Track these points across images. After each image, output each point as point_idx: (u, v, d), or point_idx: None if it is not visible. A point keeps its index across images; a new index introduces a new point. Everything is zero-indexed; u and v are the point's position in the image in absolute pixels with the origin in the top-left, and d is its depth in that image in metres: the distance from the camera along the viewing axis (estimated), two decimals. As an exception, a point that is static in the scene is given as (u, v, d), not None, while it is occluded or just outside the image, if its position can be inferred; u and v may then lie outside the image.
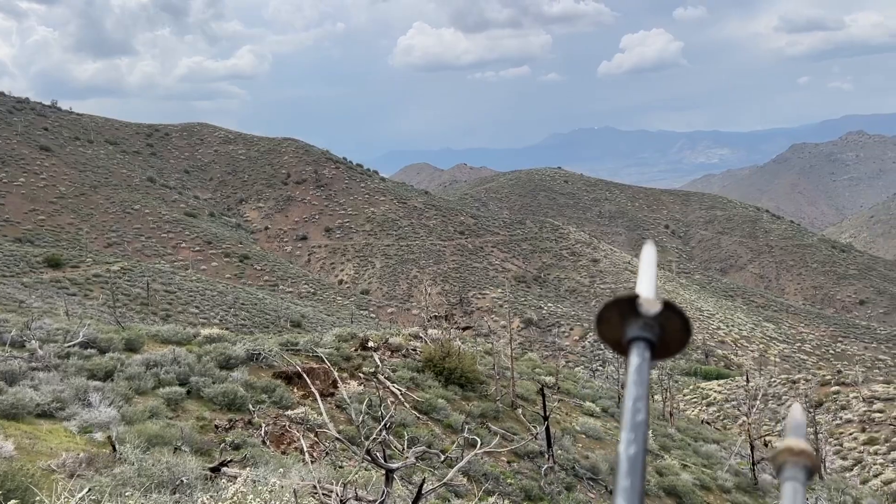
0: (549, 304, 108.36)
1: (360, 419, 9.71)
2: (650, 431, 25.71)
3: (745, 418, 32.04)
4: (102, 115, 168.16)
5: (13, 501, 7.66)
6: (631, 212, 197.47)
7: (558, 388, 27.46)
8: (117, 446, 11.87)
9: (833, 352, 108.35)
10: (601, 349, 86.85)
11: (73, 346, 18.51)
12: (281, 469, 11.09)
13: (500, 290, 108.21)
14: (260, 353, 20.09)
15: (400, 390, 21.21)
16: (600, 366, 72.62)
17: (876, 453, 42.08)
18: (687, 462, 24.37)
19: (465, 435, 13.41)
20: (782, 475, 1.12)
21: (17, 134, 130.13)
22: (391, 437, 12.20)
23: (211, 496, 9.28)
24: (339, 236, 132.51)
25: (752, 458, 25.31)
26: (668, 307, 1.17)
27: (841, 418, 47.37)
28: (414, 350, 25.12)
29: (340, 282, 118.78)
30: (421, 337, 26.88)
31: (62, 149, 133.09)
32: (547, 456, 19.66)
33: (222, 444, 14.03)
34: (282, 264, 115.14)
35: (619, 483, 1.09)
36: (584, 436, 23.36)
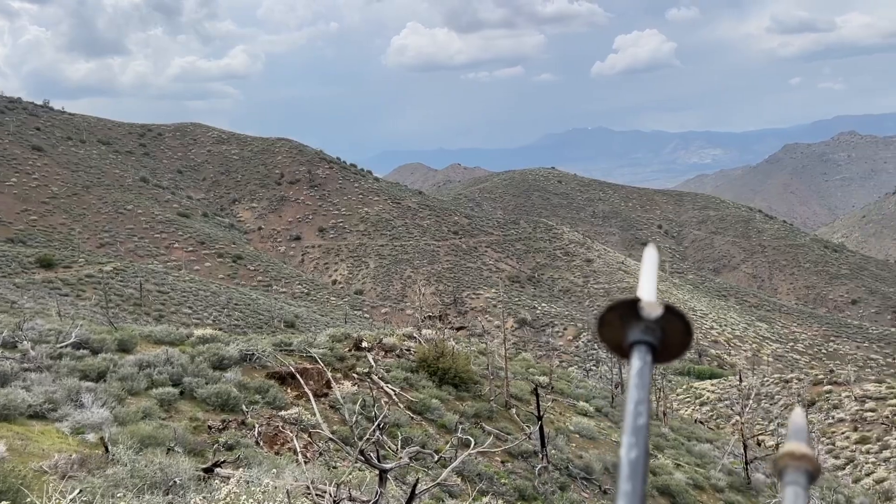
0: (543, 304, 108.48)
1: (354, 419, 9.70)
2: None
3: (738, 418, 32.15)
4: (95, 114, 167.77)
5: (4, 503, 7.62)
6: (624, 212, 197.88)
7: (552, 387, 27.49)
8: (110, 447, 11.82)
9: (825, 351, 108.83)
10: (595, 349, 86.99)
11: (66, 346, 18.42)
12: (274, 470, 11.07)
13: (493, 290, 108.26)
14: (253, 354, 20.04)
15: (394, 390, 21.19)
16: (594, 365, 72.76)
17: (868, 452, 42.29)
18: (680, 461, 24.44)
19: (459, 435, 13.41)
20: (784, 479, 1.11)
21: (9, 134, 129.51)
22: (385, 438, 12.19)
23: (204, 497, 9.25)
24: (333, 236, 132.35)
25: (745, 457, 25.40)
26: (670, 310, 1.16)
27: (833, 417, 47.59)
28: (408, 350, 25.11)
29: (334, 282, 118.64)
30: (415, 337, 26.87)
31: (54, 149, 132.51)
32: (541, 456, 19.68)
33: (215, 445, 14.00)
34: (275, 264, 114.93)
35: (620, 487, 1.08)
36: (577, 435, 23.39)
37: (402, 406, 20.42)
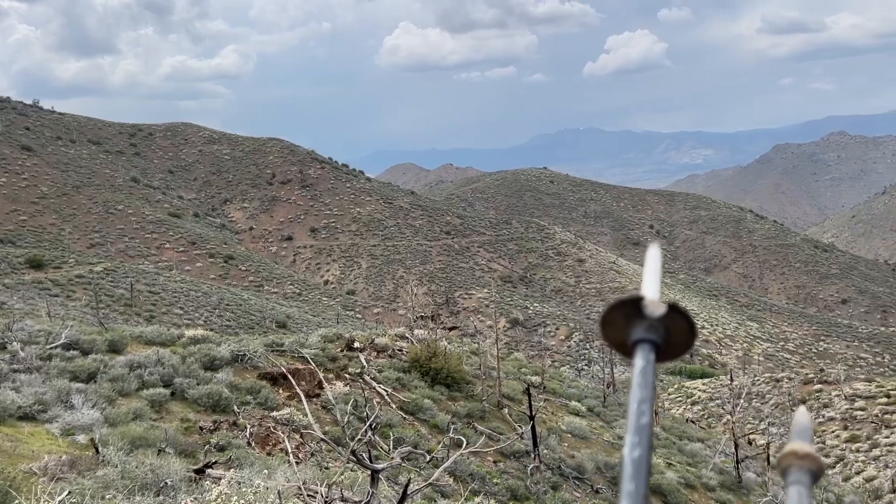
0: (535, 304, 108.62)
1: (346, 420, 9.69)
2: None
3: (729, 417, 32.29)
4: (85, 114, 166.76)
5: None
6: (616, 212, 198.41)
7: (544, 387, 27.53)
8: (100, 448, 11.77)
9: (815, 350, 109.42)
10: (587, 349, 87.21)
11: (56, 347, 18.32)
12: (266, 470, 11.04)
13: (486, 291, 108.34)
14: (245, 354, 19.98)
15: (386, 391, 21.17)
16: (586, 365, 72.94)
17: (858, 451, 42.55)
18: (672, 461, 24.51)
19: (452, 435, 13.41)
20: (787, 479, 1.10)
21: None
22: (377, 438, 12.18)
23: (195, 498, 9.23)
24: (325, 236, 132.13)
25: (737, 456, 25.50)
26: (674, 309, 1.16)
27: (823, 416, 47.85)
28: (400, 350, 25.09)
29: (326, 282, 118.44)
30: (407, 337, 26.85)
31: (44, 148, 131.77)
32: (533, 455, 19.71)
33: (207, 446, 13.95)
34: (267, 265, 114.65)
35: (623, 487, 1.07)
36: (569, 435, 23.43)
37: (394, 406, 20.40)
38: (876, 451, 41.86)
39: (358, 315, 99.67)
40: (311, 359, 19.70)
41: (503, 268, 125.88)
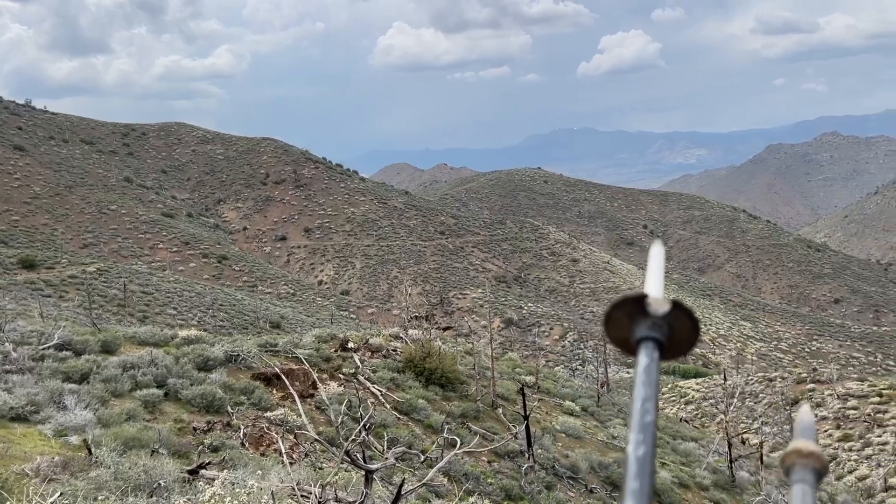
0: (530, 304, 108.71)
1: (340, 420, 9.68)
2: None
3: (722, 416, 32.38)
4: (78, 114, 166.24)
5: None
6: (610, 212, 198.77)
7: (538, 387, 27.55)
8: (93, 449, 11.72)
9: (808, 350, 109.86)
10: (581, 348, 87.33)
11: (48, 348, 18.24)
12: (260, 471, 11.01)
13: (480, 291, 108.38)
14: (238, 355, 19.94)
15: (380, 391, 21.16)
16: (580, 365, 73.03)
17: (850, 450, 42.74)
18: (665, 460, 24.57)
19: (446, 435, 13.41)
20: (791, 477, 1.10)
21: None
22: (371, 438, 12.17)
23: (188, 499, 9.21)
24: (319, 237, 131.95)
25: (730, 455, 25.58)
26: (677, 307, 1.16)
27: (816, 415, 48.02)
28: (394, 351, 25.07)
29: (320, 282, 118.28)
30: (401, 337, 26.83)
31: (36, 148, 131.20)
32: (527, 455, 19.72)
33: (200, 447, 13.91)
34: (261, 265, 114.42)
35: (628, 485, 1.07)
36: (563, 435, 23.46)
37: (388, 406, 20.39)
38: (868, 450, 42.06)
39: (352, 315, 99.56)
40: (305, 359, 19.67)
41: (497, 268, 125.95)
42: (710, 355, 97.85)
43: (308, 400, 18.66)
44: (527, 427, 19.95)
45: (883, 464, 39.15)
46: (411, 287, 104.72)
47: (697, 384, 61.66)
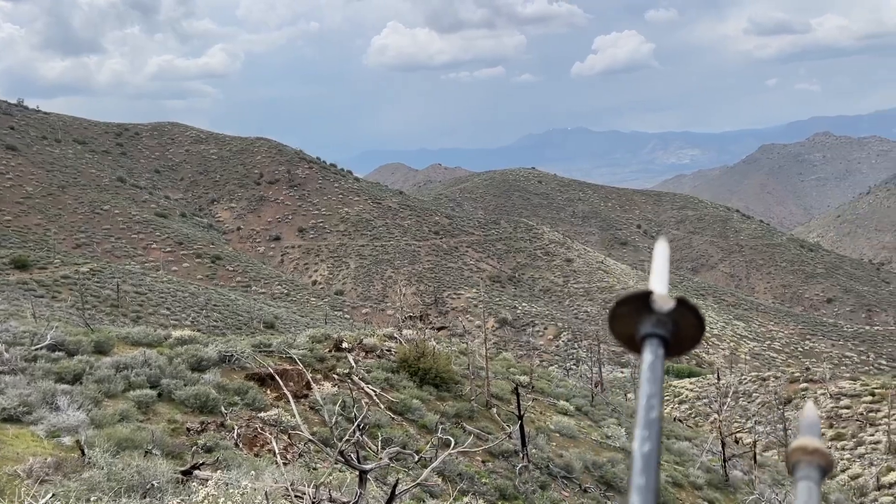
0: (524, 304, 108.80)
1: (334, 420, 9.67)
2: (622, 430, 25.93)
3: (716, 416, 32.47)
4: (71, 113, 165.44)
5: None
6: (604, 212, 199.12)
7: (532, 387, 27.58)
8: (86, 450, 11.68)
9: (801, 349, 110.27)
10: (575, 348, 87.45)
11: (41, 348, 18.16)
12: (254, 472, 10.99)
13: (474, 290, 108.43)
14: (232, 355, 19.89)
15: (374, 391, 21.15)
16: (574, 365, 73.10)
17: (843, 448, 42.93)
18: (659, 459, 24.61)
19: (440, 435, 13.41)
20: (796, 474, 1.09)
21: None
22: (365, 439, 12.16)
23: (182, 500, 9.18)
24: (313, 237, 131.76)
25: (724, 454, 25.66)
26: (682, 303, 1.16)
27: (809, 414, 48.17)
28: (389, 351, 25.06)
29: (314, 282, 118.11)
30: (396, 337, 26.82)
31: (29, 148, 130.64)
32: (521, 455, 19.74)
33: (194, 447, 13.87)
34: (254, 265, 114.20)
35: (633, 481, 1.07)
36: (558, 434, 23.49)
37: (382, 407, 20.38)
38: (861, 449, 42.25)
39: (346, 315, 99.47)
40: (299, 359, 19.65)
41: (492, 268, 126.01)
42: (704, 355, 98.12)
43: (302, 400, 18.63)
44: (521, 427, 19.97)
45: (875, 462, 39.34)
46: (406, 287, 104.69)
47: (691, 383, 61.84)
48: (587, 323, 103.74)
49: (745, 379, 58.73)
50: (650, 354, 1.15)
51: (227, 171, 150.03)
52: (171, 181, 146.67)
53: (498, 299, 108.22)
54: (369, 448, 12.42)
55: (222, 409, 16.48)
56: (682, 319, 1.16)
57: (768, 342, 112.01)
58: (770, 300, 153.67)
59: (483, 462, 19.34)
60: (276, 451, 11.74)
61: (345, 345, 24.45)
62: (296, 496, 9.24)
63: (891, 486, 36.23)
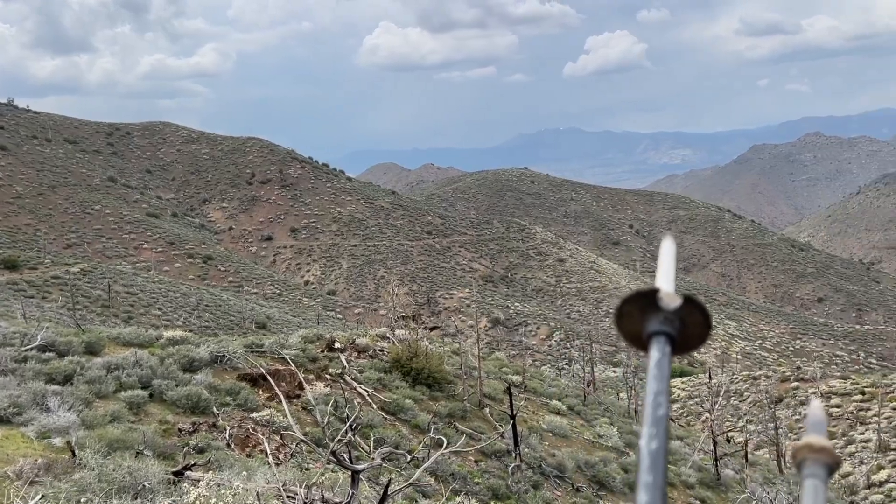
0: (517, 304, 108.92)
1: (326, 421, 9.65)
2: (614, 429, 26.00)
3: (707, 415, 32.61)
4: (61, 113, 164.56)
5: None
6: (596, 212, 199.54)
7: (525, 386, 27.62)
8: (77, 451, 11.62)
9: (792, 348, 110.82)
10: (567, 348, 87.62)
11: (31, 349, 18.07)
12: (246, 472, 10.97)
13: (467, 290, 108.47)
14: (224, 356, 19.84)
15: (367, 391, 21.13)
16: (566, 364, 73.22)
17: (833, 447, 43.13)
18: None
19: (433, 435, 13.42)
20: (802, 472, 1.10)
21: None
22: (358, 439, 12.15)
23: (173, 501, 9.16)
24: (305, 237, 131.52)
25: (715, 453, 25.76)
26: (689, 301, 1.16)
27: (800, 413, 48.46)
28: (381, 351, 25.05)
29: (306, 282, 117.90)
30: (388, 337, 26.80)
31: (19, 148, 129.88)
32: (514, 454, 19.77)
33: (186, 448, 13.83)
34: (246, 265, 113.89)
35: (641, 478, 1.07)
36: (550, 434, 23.53)
37: (375, 407, 20.36)
38: (851, 448, 42.49)
39: (339, 315, 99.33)
40: (292, 360, 19.61)
41: (484, 267, 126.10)
42: (696, 354, 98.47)
43: (294, 401, 18.60)
44: (513, 426, 20.00)
45: (866, 461, 39.57)
46: (398, 287, 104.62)
47: (683, 383, 62.04)
48: (579, 322, 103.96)
49: (736, 378, 58.97)
50: (657, 352, 1.15)
51: (218, 170, 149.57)
52: (162, 181, 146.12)
53: (490, 299, 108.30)
54: (362, 448, 12.41)
55: (214, 409, 16.44)
56: (688, 317, 1.16)
57: (759, 341, 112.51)
58: (761, 299, 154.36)
59: (476, 462, 19.35)
60: (269, 452, 11.72)
61: (337, 345, 24.42)
62: (288, 496, 9.22)
63: (881, 484, 36.48)
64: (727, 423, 45.56)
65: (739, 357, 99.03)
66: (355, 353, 24.42)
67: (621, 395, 46.04)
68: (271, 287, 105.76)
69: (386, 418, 19.97)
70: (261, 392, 18.60)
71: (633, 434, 27.42)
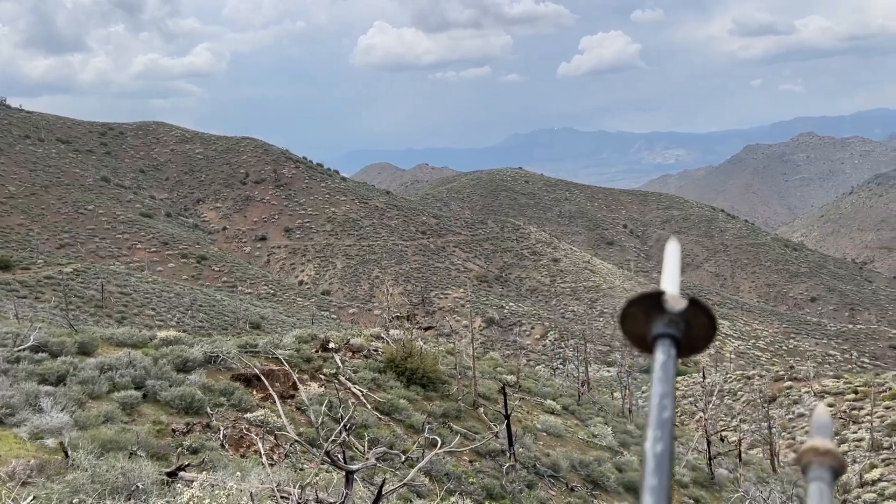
0: (511, 304, 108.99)
1: (320, 421, 9.64)
2: (609, 429, 26.04)
3: (701, 414, 32.68)
4: (54, 112, 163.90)
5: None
6: (590, 212, 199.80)
7: (520, 386, 27.64)
8: (70, 452, 11.58)
9: (786, 348, 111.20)
10: (562, 347, 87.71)
11: (24, 350, 17.99)
12: (239, 473, 10.94)
13: (461, 290, 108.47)
14: (218, 356, 19.80)
15: (361, 391, 21.11)
16: (561, 364, 73.33)
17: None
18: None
19: (427, 435, 13.42)
20: (808, 475, 1.09)
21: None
22: (352, 439, 12.13)
23: (167, 501, 9.13)
24: (300, 237, 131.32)
25: (709, 453, 25.83)
26: (695, 304, 1.15)
27: (794, 412, 48.66)
28: (375, 351, 25.03)
29: (301, 283, 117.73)
30: (383, 337, 26.78)
31: (12, 147, 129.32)
32: (508, 454, 19.78)
33: (179, 449, 13.80)
34: (240, 265, 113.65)
35: (646, 481, 1.06)
36: (544, 434, 23.55)
37: (369, 407, 20.35)
38: (844, 447, 42.65)
39: (333, 315, 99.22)
40: (286, 360, 19.58)
41: (479, 267, 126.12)
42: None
43: (288, 401, 18.57)
44: (508, 426, 20.01)
45: (858, 460, 39.74)
46: (392, 287, 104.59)
47: (677, 382, 62.12)
48: (574, 322, 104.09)
49: (729, 377, 59.13)
50: (662, 354, 1.14)
51: (212, 170, 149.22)
52: (156, 181, 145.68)
53: (485, 299, 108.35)
54: (356, 448, 12.39)
55: (208, 409, 16.40)
56: (694, 319, 1.15)
57: (753, 341, 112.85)
58: (754, 299, 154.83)
59: (470, 462, 19.36)
60: (263, 452, 11.70)
61: (332, 345, 24.39)
62: (282, 497, 9.20)
63: (874, 482, 36.64)
64: (721, 423, 45.68)
65: (733, 356, 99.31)
66: (350, 354, 24.40)
67: (615, 394, 46.16)
68: (265, 287, 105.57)
69: (380, 418, 19.96)
70: (255, 392, 18.57)
71: (627, 434, 27.47)
